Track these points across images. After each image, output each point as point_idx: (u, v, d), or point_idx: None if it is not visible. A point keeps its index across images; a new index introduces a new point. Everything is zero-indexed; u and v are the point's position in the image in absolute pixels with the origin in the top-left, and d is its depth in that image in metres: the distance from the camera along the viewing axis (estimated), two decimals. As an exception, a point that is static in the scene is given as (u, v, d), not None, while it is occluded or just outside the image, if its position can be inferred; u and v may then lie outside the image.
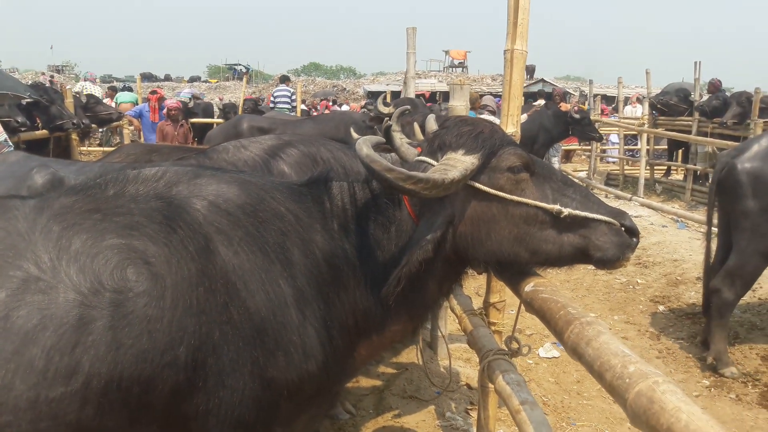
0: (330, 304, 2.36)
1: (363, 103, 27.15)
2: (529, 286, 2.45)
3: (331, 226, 2.42)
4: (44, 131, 9.08)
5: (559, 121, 11.57)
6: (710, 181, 6.48)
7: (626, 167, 15.70)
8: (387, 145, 2.69)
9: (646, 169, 13.55)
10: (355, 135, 5.65)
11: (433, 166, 2.34)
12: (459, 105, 4.99)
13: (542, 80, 38.13)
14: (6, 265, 1.93)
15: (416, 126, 4.13)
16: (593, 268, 2.58)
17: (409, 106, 4.17)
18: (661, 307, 7.05)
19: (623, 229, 2.43)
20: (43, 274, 1.94)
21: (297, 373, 2.24)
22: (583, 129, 11.96)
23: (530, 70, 39.05)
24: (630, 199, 12.42)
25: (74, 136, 9.95)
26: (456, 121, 2.50)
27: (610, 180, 15.68)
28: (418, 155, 2.52)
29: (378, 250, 2.42)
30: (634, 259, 8.31)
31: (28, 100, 8.94)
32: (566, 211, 2.34)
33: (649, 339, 6.27)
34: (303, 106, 18.33)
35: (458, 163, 2.28)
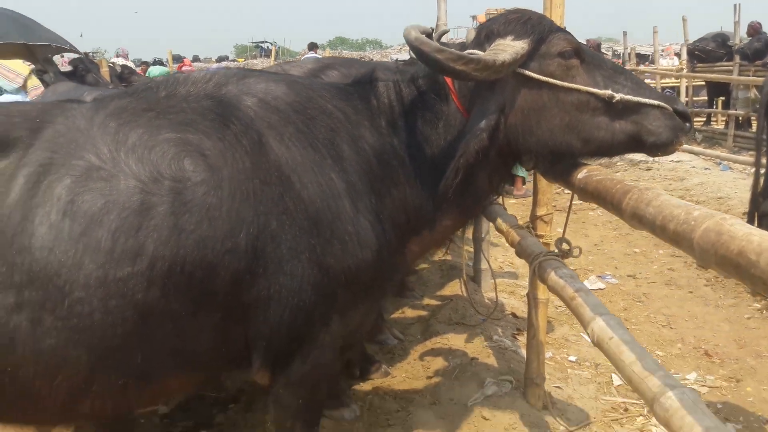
0: (382, 199, 2.38)
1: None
2: (581, 174, 2.43)
3: (379, 123, 2.44)
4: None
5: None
6: (759, 105, 6.28)
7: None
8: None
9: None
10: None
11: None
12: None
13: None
14: (68, 155, 2.00)
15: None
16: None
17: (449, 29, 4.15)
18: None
19: (675, 113, 2.38)
20: (103, 164, 2.01)
21: (353, 261, 2.27)
22: None
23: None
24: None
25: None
26: (502, 13, 2.47)
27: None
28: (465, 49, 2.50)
29: (427, 146, 2.43)
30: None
31: (70, 65, 9.09)
32: (618, 96, 2.31)
33: (696, 270, 6.18)
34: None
35: (508, 48, 2.26)
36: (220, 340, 2.20)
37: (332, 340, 2.41)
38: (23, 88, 6.06)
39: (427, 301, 5.25)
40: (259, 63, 48.96)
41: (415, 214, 2.48)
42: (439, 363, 4.14)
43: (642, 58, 29.98)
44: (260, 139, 2.20)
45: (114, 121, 2.12)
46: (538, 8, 3.03)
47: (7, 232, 1.88)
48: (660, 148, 2.42)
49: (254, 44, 62.25)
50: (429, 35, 2.66)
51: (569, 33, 2.45)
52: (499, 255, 6.49)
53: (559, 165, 2.63)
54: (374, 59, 42.86)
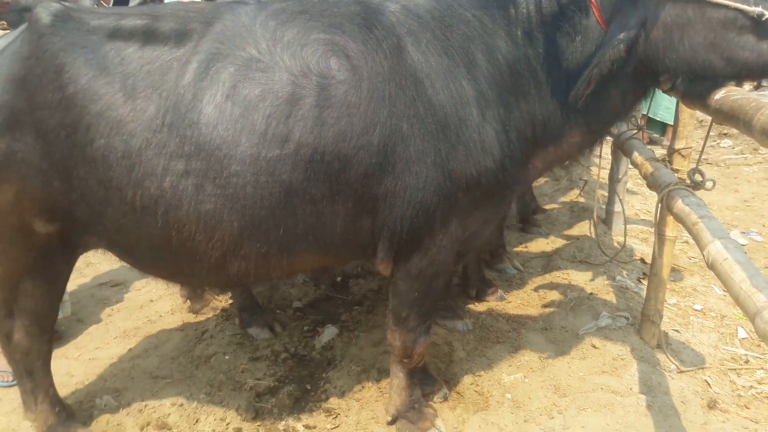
0: (510, 109, 2.46)
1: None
2: (720, 94, 2.34)
3: (515, 33, 2.47)
4: None
5: None
6: None
7: None
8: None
9: None
10: None
11: None
12: None
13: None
14: (233, 47, 2.31)
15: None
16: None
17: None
18: None
19: None
20: (262, 56, 2.29)
21: (475, 167, 2.40)
22: None
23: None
24: None
25: None
26: None
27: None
28: None
29: (562, 59, 2.44)
30: None
31: None
32: None
33: None
34: None
35: None
36: (351, 226, 2.44)
37: (450, 242, 2.57)
38: None
39: (552, 239, 5.23)
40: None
41: (542, 129, 2.53)
42: (555, 295, 4.19)
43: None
44: (399, 43, 2.36)
45: (273, 20, 2.39)
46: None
47: (181, 109, 2.23)
48: None
49: None
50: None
51: None
52: (637, 203, 6.24)
53: (699, 87, 2.53)
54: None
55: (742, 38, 2.23)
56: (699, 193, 2.87)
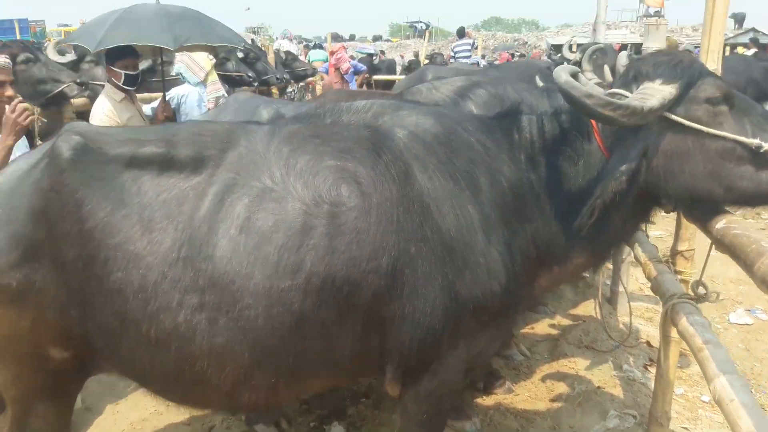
0: (514, 232, 2.51)
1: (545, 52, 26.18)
2: (720, 224, 2.39)
3: (518, 157, 2.55)
4: (247, 86, 10.04)
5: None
6: None
7: None
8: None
9: None
10: (539, 82, 5.65)
11: (626, 96, 2.35)
12: (654, 46, 4.77)
13: (753, 29, 33.83)
14: (248, 177, 2.37)
15: (606, 69, 4.09)
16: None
17: (601, 45, 4.09)
18: None
19: None
20: (275, 186, 2.35)
21: (481, 290, 2.44)
22: None
23: (739, 19, 34.69)
24: None
25: (275, 90, 10.91)
26: (652, 52, 2.48)
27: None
28: (612, 87, 2.53)
29: (564, 182, 2.51)
30: None
31: (241, 52, 9.93)
32: (766, 145, 2.24)
33: None
34: (483, 61, 18.22)
35: (656, 92, 2.26)
36: (360, 348, 2.47)
37: (458, 362, 2.60)
38: (203, 82, 6.77)
39: (558, 319, 5.25)
40: (412, 43, 49.95)
41: (546, 250, 2.58)
42: (563, 387, 4.19)
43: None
44: (407, 169, 2.43)
45: (286, 146, 2.46)
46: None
47: (196, 242, 2.27)
48: None
49: (408, 24, 63.19)
50: (577, 76, 2.75)
51: (719, 78, 2.40)
52: (641, 275, 6.25)
53: (699, 211, 2.59)
54: (529, 42, 42.08)
55: (741, 168, 2.29)
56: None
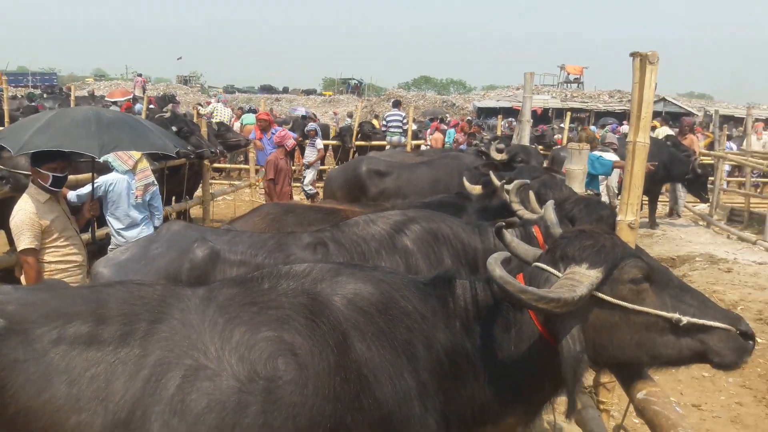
0: (449, 396, 2.57)
1: (470, 121, 27.16)
2: (641, 394, 2.55)
3: (453, 324, 2.63)
4: (182, 159, 9.94)
5: (681, 165, 11.27)
6: None
7: (753, 202, 14.81)
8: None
9: (776, 207, 12.77)
10: (468, 185, 5.89)
11: (554, 275, 2.49)
12: (577, 169, 5.09)
13: (663, 99, 36.44)
14: (182, 354, 2.33)
15: (531, 195, 4.33)
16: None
17: (526, 181, 4.33)
18: (784, 371, 6.69)
19: (739, 333, 2.47)
20: (209, 362, 2.32)
21: None
22: (697, 186, 11.81)
23: (649, 88, 37.25)
24: (755, 243, 11.64)
25: (207, 162, 10.84)
26: (577, 234, 2.64)
27: (733, 216, 14.78)
28: (537, 260, 2.68)
29: (498, 349, 2.60)
30: (755, 315, 7.91)
31: (174, 126, 9.85)
32: (685, 319, 2.42)
33: (765, 407, 5.98)
34: (413, 126, 18.76)
35: (584, 278, 2.41)
36: None
37: None
38: (132, 170, 6.64)
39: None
40: (345, 98, 50.73)
41: (480, 410, 2.64)
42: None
43: (738, 122, 28.94)
44: (344, 339, 2.45)
45: (222, 317, 2.43)
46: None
47: (130, 426, 2.22)
48: (724, 368, 2.52)
49: (342, 80, 64.23)
50: (500, 239, 2.91)
51: (640, 259, 2.57)
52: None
53: (624, 372, 2.76)
54: (456, 104, 43.58)
55: (664, 338, 2.46)
56: None
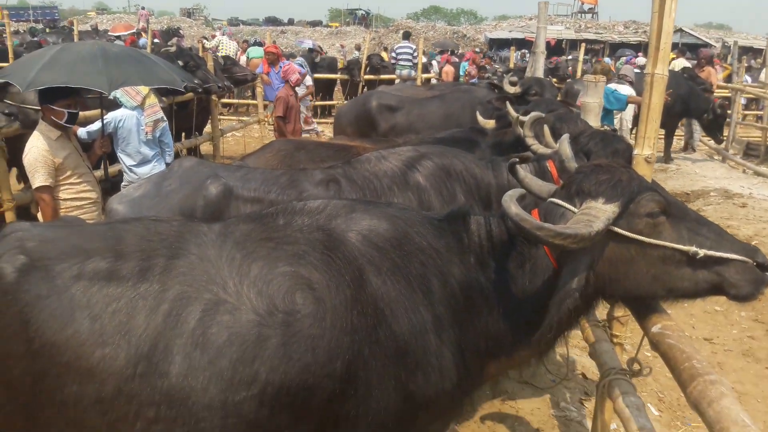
0: (464, 329, 2.62)
1: (481, 52, 26.57)
2: (656, 327, 2.57)
3: (468, 259, 2.65)
4: (190, 94, 9.83)
5: (699, 100, 10.99)
6: None
7: (770, 135, 14.59)
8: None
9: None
10: (481, 119, 5.81)
11: (571, 210, 2.48)
12: (592, 102, 4.99)
13: (680, 30, 35.32)
14: (201, 288, 2.36)
15: (546, 129, 4.25)
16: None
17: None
18: (795, 304, 6.74)
19: (756, 265, 2.47)
20: (229, 297, 2.35)
21: (434, 390, 2.54)
22: (715, 126, 11.53)
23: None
24: (771, 178, 11.49)
25: (214, 98, 10.71)
26: (593, 168, 2.60)
27: (750, 150, 14.52)
28: (552, 195, 2.66)
29: (512, 283, 2.63)
30: (770, 249, 7.89)
31: (181, 60, 9.68)
32: (702, 252, 2.42)
33: (778, 340, 6.06)
34: (424, 59, 18.36)
35: (600, 213, 2.39)
36: None
37: None
38: (141, 106, 6.58)
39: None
40: (352, 30, 49.58)
41: (495, 342, 2.70)
42: (503, 429, 4.37)
43: (757, 53, 28.12)
44: (360, 273, 2.48)
45: (239, 252, 2.46)
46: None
47: (153, 359, 2.27)
48: (741, 299, 2.53)
49: (348, 10, 62.62)
50: (513, 175, 2.88)
51: (656, 192, 2.55)
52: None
53: (639, 304, 2.79)
54: (468, 35, 42.56)
55: (680, 271, 2.47)
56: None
